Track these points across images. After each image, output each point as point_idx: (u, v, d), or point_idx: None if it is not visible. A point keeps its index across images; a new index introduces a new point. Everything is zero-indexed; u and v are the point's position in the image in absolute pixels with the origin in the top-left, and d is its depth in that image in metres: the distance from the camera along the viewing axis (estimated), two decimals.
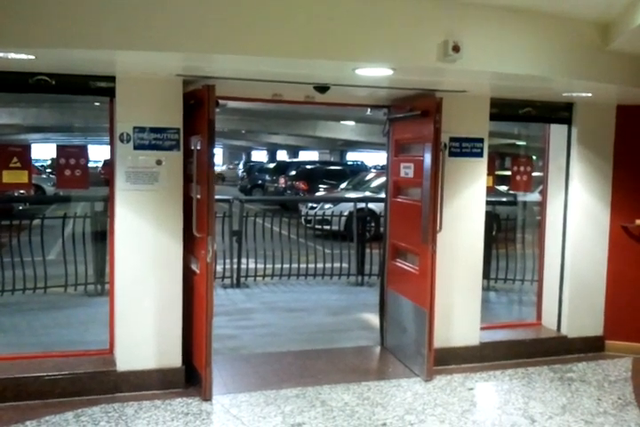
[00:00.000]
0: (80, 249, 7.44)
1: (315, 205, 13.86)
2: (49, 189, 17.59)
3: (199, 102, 4.33)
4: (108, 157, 4.80)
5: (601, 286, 5.68)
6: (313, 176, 20.79)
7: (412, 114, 4.94)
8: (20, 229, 7.78)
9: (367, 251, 8.85)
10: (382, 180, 11.99)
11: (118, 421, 4.09)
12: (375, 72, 4.12)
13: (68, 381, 4.41)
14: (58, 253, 8.14)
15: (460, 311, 5.23)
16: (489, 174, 5.35)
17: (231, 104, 5.38)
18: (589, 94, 5.05)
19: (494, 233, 8.49)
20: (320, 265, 8.81)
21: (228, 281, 8.32)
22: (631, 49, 4.42)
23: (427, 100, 4.78)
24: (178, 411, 4.26)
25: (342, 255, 8.96)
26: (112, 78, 4.37)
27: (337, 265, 8.88)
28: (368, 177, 16.79)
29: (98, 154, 25.58)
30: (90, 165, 5.23)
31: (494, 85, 4.81)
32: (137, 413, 4.22)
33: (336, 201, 13.62)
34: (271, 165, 27.29)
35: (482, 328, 5.38)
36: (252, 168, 28.88)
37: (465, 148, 5.13)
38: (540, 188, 6.07)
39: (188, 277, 4.66)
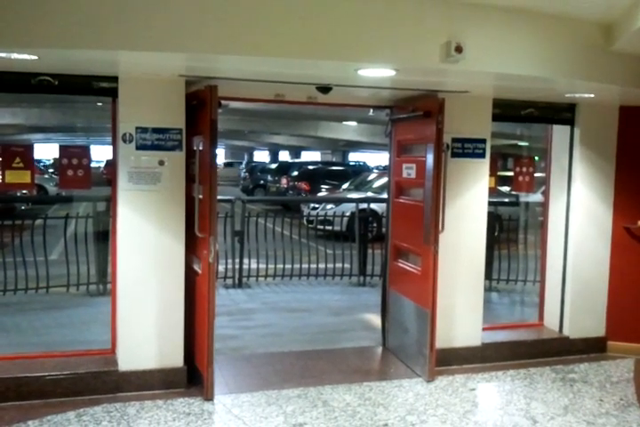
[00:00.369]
0: (82, 249, 7.45)
1: (317, 206, 13.86)
2: (51, 189, 17.61)
3: (202, 103, 4.33)
4: (110, 157, 4.80)
5: (603, 287, 5.67)
6: (315, 177, 20.78)
7: (414, 114, 4.94)
8: (23, 228, 7.79)
9: (369, 251, 8.84)
10: (384, 180, 11.98)
11: (120, 420, 4.09)
12: (378, 73, 4.12)
13: (70, 380, 4.42)
14: (60, 253, 8.15)
15: (461, 312, 5.23)
16: (491, 175, 5.35)
17: (233, 104, 5.40)
18: (592, 95, 5.05)
19: (496, 234, 8.49)
20: (322, 265, 8.82)
21: (229, 281, 8.33)
22: (634, 50, 4.41)
23: (429, 101, 4.78)
24: (180, 411, 4.26)
25: (344, 256, 8.96)
26: (115, 79, 4.37)
27: (339, 265, 8.89)
28: (370, 177, 16.78)
29: (100, 154, 25.62)
30: (92, 165, 5.24)
31: (497, 86, 4.81)
32: (139, 413, 4.22)
33: (338, 201, 13.61)
34: (273, 166, 27.29)
35: (484, 329, 5.38)
36: (254, 168, 28.89)
37: (467, 148, 5.13)
38: (543, 188, 6.06)
39: (190, 277, 4.66)
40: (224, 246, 8.19)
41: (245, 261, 8.47)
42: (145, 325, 4.56)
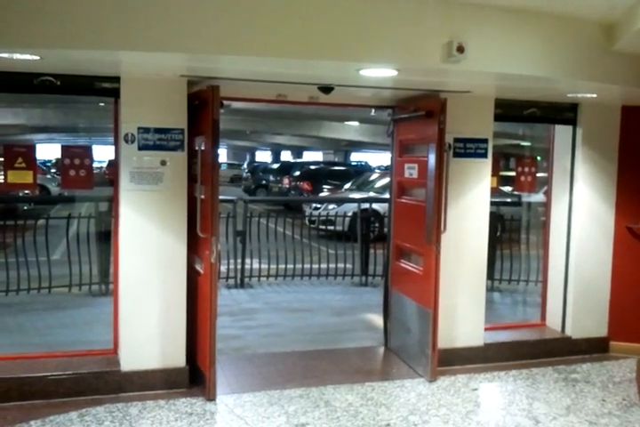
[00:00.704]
0: (84, 249, 7.46)
1: (319, 206, 13.86)
2: (54, 189, 17.63)
3: (203, 103, 4.33)
4: (112, 157, 4.81)
5: (605, 287, 5.66)
6: (317, 177, 20.79)
7: (416, 114, 4.94)
8: (25, 229, 7.80)
9: (371, 251, 8.84)
10: (386, 180, 11.97)
11: (122, 421, 4.09)
12: (379, 73, 4.12)
13: (73, 380, 4.42)
14: (62, 253, 8.15)
15: (464, 312, 5.23)
16: (493, 175, 5.34)
17: (235, 104, 5.41)
18: (594, 95, 5.05)
19: (498, 234, 8.48)
20: (324, 265, 8.82)
21: (232, 281, 8.34)
22: (635, 50, 4.41)
23: (431, 101, 4.78)
24: (182, 411, 4.27)
25: (346, 256, 8.96)
26: (117, 79, 4.38)
27: (341, 265, 8.89)
28: (372, 177, 16.78)
29: (102, 154, 25.64)
30: (94, 165, 5.24)
31: (499, 86, 4.81)
32: (141, 413, 4.22)
33: (340, 201, 13.62)
34: (275, 166, 27.30)
35: (486, 329, 5.38)
36: (256, 168, 28.91)
37: (469, 148, 5.13)
38: (545, 188, 6.05)
39: (193, 277, 4.67)
40: (226, 247, 8.19)
41: (247, 261, 8.47)
42: (147, 325, 4.57)
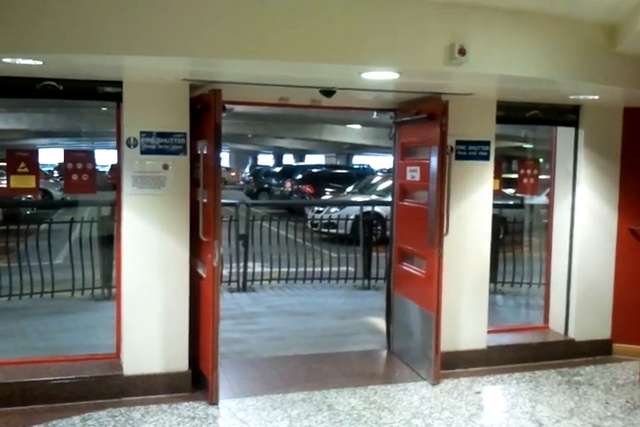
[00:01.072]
0: (87, 253, 7.46)
1: (321, 209, 13.87)
2: (56, 193, 17.65)
3: (206, 107, 4.34)
4: (115, 161, 4.82)
5: (608, 289, 5.65)
6: (319, 180, 20.79)
7: (418, 117, 4.94)
8: (28, 233, 7.80)
9: (373, 254, 8.83)
10: (388, 183, 11.97)
11: (125, 425, 4.09)
12: (381, 76, 4.12)
13: (75, 385, 4.42)
14: (65, 257, 8.17)
15: (466, 315, 5.22)
16: (495, 177, 5.34)
17: (237, 108, 5.41)
18: (596, 97, 5.04)
19: (501, 236, 8.46)
20: (326, 269, 8.81)
21: (234, 285, 8.33)
22: (638, 51, 4.40)
23: (433, 104, 4.78)
24: (184, 415, 4.26)
25: (348, 259, 8.95)
26: (119, 83, 4.38)
27: (343, 269, 8.88)
28: (374, 180, 16.78)
29: (105, 159, 25.69)
30: (98, 169, 5.25)
31: (500, 88, 4.81)
32: (144, 417, 4.22)
33: (342, 204, 13.61)
34: (277, 169, 27.34)
35: (489, 332, 5.37)
36: (258, 172, 28.94)
37: (471, 151, 5.13)
38: (547, 191, 6.05)
39: (195, 281, 4.66)
40: (228, 250, 8.18)
41: (250, 264, 8.47)
42: (149, 329, 4.56)
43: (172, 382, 4.59)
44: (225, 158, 46.92)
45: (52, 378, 4.40)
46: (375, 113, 5.72)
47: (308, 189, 20.28)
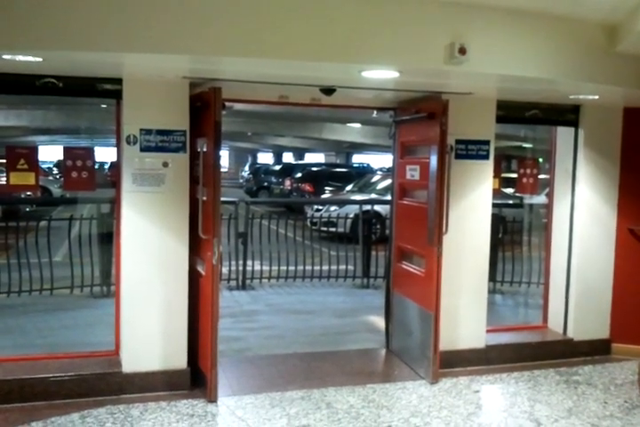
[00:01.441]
0: (86, 251, 7.46)
1: (320, 208, 13.87)
2: (56, 190, 17.65)
3: (205, 104, 4.34)
4: (114, 158, 4.81)
5: (607, 289, 5.66)
6: (319, 178, 20.79)
7: (418, 116, 4.94)
8: (27, 230, 7.80)
9: (373, 253, 8.84)
10: (388, 182, 11.97)
11: (124, 422, 4.09)
12: (381, 74, 4.12)
13: (74, 382, 4.42)
14: (64, 254, 8.17)
15: (465, 314, 5.22)
16: (495, 177, 5.35)
17: (237, 106, 5.39)
18: (596, 97, 5.04)
19: (500, 235, 8.47)
20: (325, 267, 8.82)
21: (233, 283, 8.34)
22: (637, 51, 4.41)
23: (433, 103, 4.78)
24: (183, 413, 4.27)
25: (348, 257, 8.95)
26: (119, 80, 4.38)
27: (342, 267, 8.88)
28: (374, 179, 16.77)
29: (105, 156, 25.66)
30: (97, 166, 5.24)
31: (500, 88, 4.81)
32: (142, 414, 4.22)
33: (342, 203, 13.61)
34: (277, 167, 27.32)
35: (488, 331, 5.37)
36: (257, 170, 28.93)
37: (471, 150, 5.13)
38: (547, 190, 6.05)
39: (194, 278, 4.67)
40: (228, 248, 8.19)
41: (249, 262, 8.47)
42: (149, 326, 4.57)
43: (171, 379, 4.59)
44: (224, 156, 46.95)
45: (50, 375, 4.40)
46: (375, 112, 5.71)
47: (307, 187, 20.28)
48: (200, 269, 4.61)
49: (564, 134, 5.67)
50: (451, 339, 5.11)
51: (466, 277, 5.19)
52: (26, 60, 3.68)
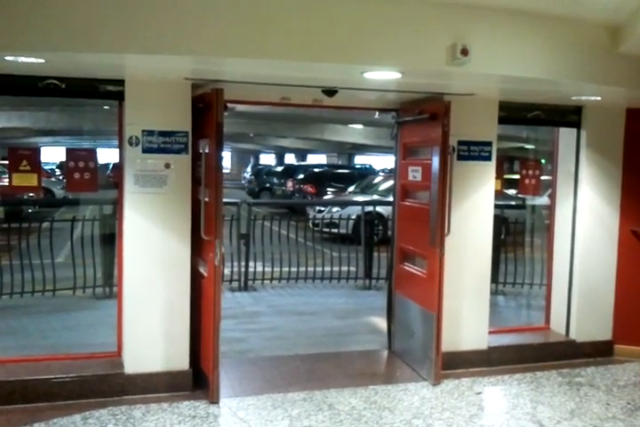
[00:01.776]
0: (89, 252, 7.47)
1: (322, 209, 13.86)
2: (58, 191, 17.66)
3: (208, 106, 4.34)
4: (117, 160, 4.82)
5: (610, 291, 5.65)
6: (321, 179, 20.79)
7: (420, 117, 4.94)
8: (30, 231, 7.81)
9: (375, 254, 8.83)
10: (390, 183, 11.96)
11: (126, 423, 4.09)
12: (383, 75, 4.12)
13: (76, 383, 4.42)
14: (67, 255, 8.17)
15: (468, 315, 5.21)
16: (497, 178, 5.34)
17: (239, 107, 5.40)
18: (598, 98, 5.04)
19: (503, 237, 8.46)
20: (328, 268, 8.81)
21: (235, 284, 8.34)
22: None
23: (435, 104, 4.78)
24: (185, 414, 4.27)
25: (350, 259, 8.95)
26: (121, 82, 4.39)
27: (344, 268, 8.87)
28: (376, 180, 16.78)
29: (107, 157, 25.68)
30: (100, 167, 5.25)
31: (503, 89, 4.81)
32: (144, 415, 4.22)
33: (344, 204, 13.61)
34: (279, 169, 27.33)
35: (490, 332, 5.36)
36: (260, 171, 28.94)
37: (473, 151, 5.13)
38: (549, 191, 6.04)
39: (196, 280, 4.67)
40: (230, 249, 8.19)
41: (251, 264, 8.46)
42: (151, 327, 4.57)
43: (173, 380, 4.59)
44: (227, 158, 46.97)
45: (53, 376, 4.41)
46: (377, 113, 5.71)
47: (309, 188, 20.28)
48: (202, 270, 4.61)
49: (566, 135, 5.66)
50: (453, 340, 5.10)
51: (468, 278, 5.19)
52: (28, 61, 3.68)
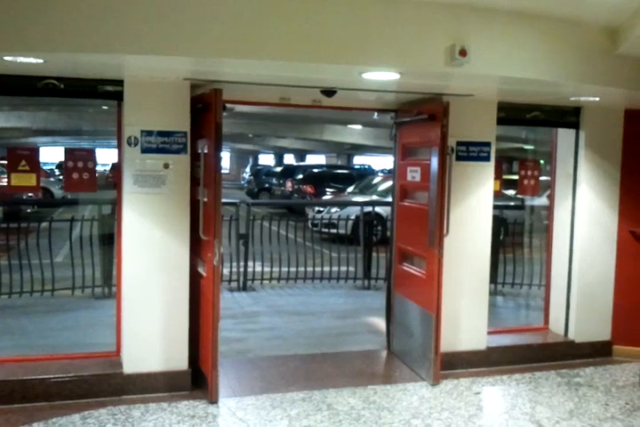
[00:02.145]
0: (87, 252, 7.47)
1: (321, 209, 13.87)
2: (57, 191, 17.66)
3: (206, 106, 4.34)
4: (115, 160, 4.82)
5: (608, 291, 5.65)
6: (320, 180, 20.79)
7: (418, 118, 4.95)
8: (28, 231, 7.81)
9: (374, 255, 8.84)
10: (389, 183, 11.98)
11: (125, 423, 4.09)
12: (382, 76, 4.13)
13: (75, 383, 4.42)
14: (65, 255, 8.18)
15: (466, 316, 5.22)
16: (496, 178, 5.34)
17: (238, 108, 5.40)
18: (597, 98, 5.04)
19: (501, 237, 8.47)
20: (326, 269, 8.82)
21: (234, 284, 8.34)
22: (639, 53, 4.41)
23: (434, 104, 4.78)
24: (184, 414, 4.27)
25: (349, 259, 8.95)
26: (120, 82, 4.39)
27: (343, 269, 8.88)
28: (375, 181, 16.79)
29: (106, 157, 25.69)
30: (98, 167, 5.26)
31: (501, 90, 4.81)
32: (143, 415, 4.22)
33: (343, 205, 13.62)
34: (278, 169, 27.34)
35: (489, 333, 5.37)
36: (259, 172, 28.95)
37: (472, 152, 5.13)
38: (548, 192, 6.05)
39: (195, 280, 4.67)
40: (229, 249, 8.20)
41: (250, 264, 8.47)
42: (150, 327, 4.57)
43: (172, 380, 4.59)
44: (225, 158, 46.96)
45: (51, 376, 4.41)
46: (376, 113, 5.73)
47: (308, 188, 20.28)
48: (201, 270, 4.61)
49: (565, 136, 5.67)
50: (452, 340, 5.11)
51: (467, 278, 5.19)
52: (27, 61, 3.69)
